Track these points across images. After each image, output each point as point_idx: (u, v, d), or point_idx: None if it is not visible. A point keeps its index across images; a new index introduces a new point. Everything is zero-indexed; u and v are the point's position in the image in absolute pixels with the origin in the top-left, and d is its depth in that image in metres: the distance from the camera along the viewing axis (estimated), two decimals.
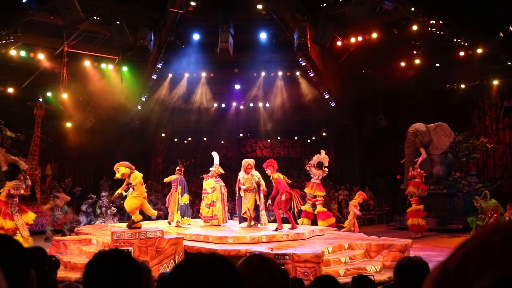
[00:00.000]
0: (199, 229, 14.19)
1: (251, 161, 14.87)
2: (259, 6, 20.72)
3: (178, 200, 15.11)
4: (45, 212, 18.78)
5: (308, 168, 18.10)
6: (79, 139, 23.76)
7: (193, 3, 20.44)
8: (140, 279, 1.91)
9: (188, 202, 15.35)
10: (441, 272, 0.89)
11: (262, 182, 14.65)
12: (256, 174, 14.67)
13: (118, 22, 19.84)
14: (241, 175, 14.73)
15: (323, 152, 18.16)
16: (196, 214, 22.13)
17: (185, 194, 15.24)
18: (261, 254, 2.25)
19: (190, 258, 1.58)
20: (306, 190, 18.05)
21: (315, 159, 18.02)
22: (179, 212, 14.97)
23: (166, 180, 16.10)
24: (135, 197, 12.41)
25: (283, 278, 2.17)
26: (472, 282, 0.82)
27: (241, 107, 28.82)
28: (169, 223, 15.39)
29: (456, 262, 0.87)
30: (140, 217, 12.49)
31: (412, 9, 18.90)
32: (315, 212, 18.00)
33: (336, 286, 3.74)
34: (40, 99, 22.54)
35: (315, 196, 17.96)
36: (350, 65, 23.34)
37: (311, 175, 18.11)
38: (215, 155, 15.87)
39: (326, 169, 18.00)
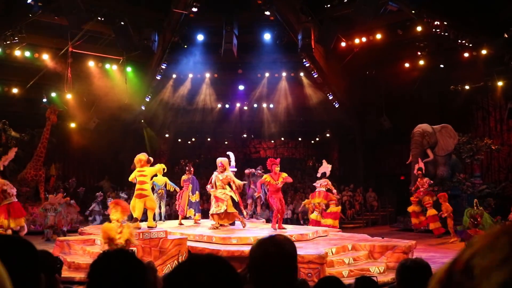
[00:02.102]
0: (203, 230, 14.18)
1: (224, 160, 14.50)
2: (263, 7, 20.77)
3: (189, 197, 15.46)
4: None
5: (318, 186, 18.02)
6: (83, 139, 23.82)
7: (195, 9, 20.49)
8: (144, 279, 1.92)
9: (198, 199, 15.78)
10: (447, 273, 0.89)
11: (236, 181, 14.26)
12: (228, 173, 14.30)
13: (122, 23, 19.89)
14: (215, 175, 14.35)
15: (324, 162, 18.36)
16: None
17: (197, 192, 15.67)
18: (276, 237, 2.31)
19: (187, 260, 1.59)
20: (314, 201, 17.98)
21: (320, 170, 18.15)
22: (191, 208, 15.37)
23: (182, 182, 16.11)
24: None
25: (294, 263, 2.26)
26: (478, 284, 0.82)
27: (245, 107, 28.83)
28: (180, 223, 15.52)
29: (463, 264, 0.87)
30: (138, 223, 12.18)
31: (414, 11, 18.89)
32: (328, 211, 17.90)
33: (341, 287, 3.74)
34: (45, 100, 22.60)
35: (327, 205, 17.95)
36: (354, 66, 23.34)
37: (315, 186, 18.13)
38: (231, 155, 15.93)
39: (327, 180, 17.94)
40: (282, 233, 13.00)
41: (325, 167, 18.03)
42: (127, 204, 8.43)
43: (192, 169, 16.17)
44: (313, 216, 18.01)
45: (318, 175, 18.18)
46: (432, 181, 19.18)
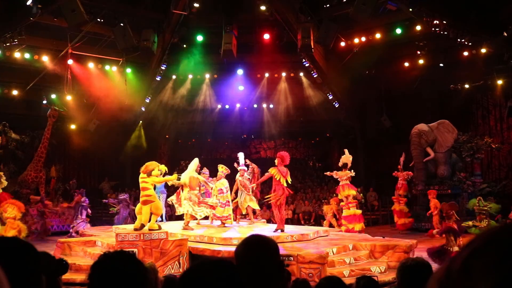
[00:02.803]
0: (203, 230, 14.19)
1: None
2: (263, 7, 20.77)
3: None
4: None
5: (335, 176, 17.15)
6: (83, 141, 23.80)
7: (196, 5, 20.48)
8: (144, 280, 1.92)
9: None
10: (446, 272, 0.89)
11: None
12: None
13: (121, 24, 19.89)
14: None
15: (346, 151, 17.33)
16: None
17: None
18: (261, 235, 2.44)
19: (198, 264, 1.60)
20: (344, 193, 16.90)
21: (341, 160, 17.13)
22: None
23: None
24: None
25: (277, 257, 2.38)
26: (476, 283, 0.82)
27: (245, 108, 28.82)
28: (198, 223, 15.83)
29: (460, 263, 0.87)
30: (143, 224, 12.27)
31: (413, 10, 18.88)
32: (346, 214, 16.86)
33: (342, 287, 3.74)
34: (45, 101, 22.59)
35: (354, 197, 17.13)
36: (353, 66, 23.31)
37: (338, 180, 17.08)
38: (240, 155, 15.97)
39: (352, 171, 16.87)
40: (291, 235, 13.10)
41: (347, 158, 17.02)
42: (21, 203, 8.81)
43: (207, 171, 16.44)
44: (346, 212, 16.94)
45: (340, 164, 17.10)
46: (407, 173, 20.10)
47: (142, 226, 11.96)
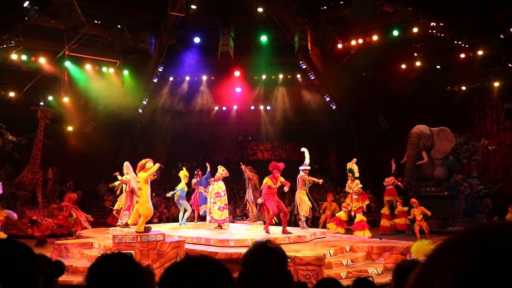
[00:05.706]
0: (201, 232, 14.18)
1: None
2: (260, 9, 20.77)
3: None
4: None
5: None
6: (80, 142, 23.75)
7: (193, 7, 20.49)
8: (142, 282, 1.92)
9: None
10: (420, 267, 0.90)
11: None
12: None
13: (119, 26, 19.86)
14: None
15: (354, 160, 18.02)
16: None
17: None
18: (270, 242, 2.45)
19: (180, 261, 1.61)
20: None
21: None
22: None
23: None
24: None
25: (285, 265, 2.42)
26: (433, 280, 0.83)
27: (242, 110, 28.79)
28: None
29: (426, 260, 0.88)
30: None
31: (410, 12, 18.93)
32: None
33: None
34: (42, 103, 22.55)
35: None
36: (351, 68, 23.34)
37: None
38: (306, 152, 15.94)
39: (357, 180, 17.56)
40: (288, 237, 13.14)
41: (350, 164, 17.81)
42: None
43: (200, 173, 17.35)
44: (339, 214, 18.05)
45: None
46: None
47: (126, 225, 11.89)
